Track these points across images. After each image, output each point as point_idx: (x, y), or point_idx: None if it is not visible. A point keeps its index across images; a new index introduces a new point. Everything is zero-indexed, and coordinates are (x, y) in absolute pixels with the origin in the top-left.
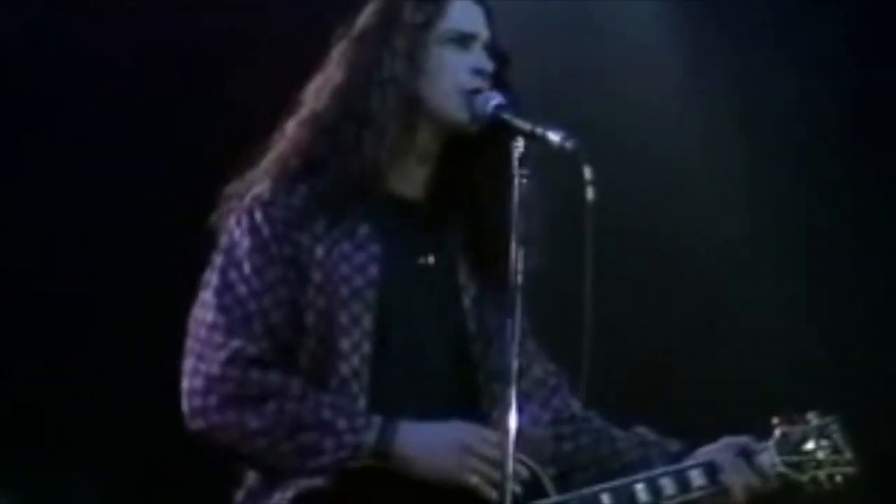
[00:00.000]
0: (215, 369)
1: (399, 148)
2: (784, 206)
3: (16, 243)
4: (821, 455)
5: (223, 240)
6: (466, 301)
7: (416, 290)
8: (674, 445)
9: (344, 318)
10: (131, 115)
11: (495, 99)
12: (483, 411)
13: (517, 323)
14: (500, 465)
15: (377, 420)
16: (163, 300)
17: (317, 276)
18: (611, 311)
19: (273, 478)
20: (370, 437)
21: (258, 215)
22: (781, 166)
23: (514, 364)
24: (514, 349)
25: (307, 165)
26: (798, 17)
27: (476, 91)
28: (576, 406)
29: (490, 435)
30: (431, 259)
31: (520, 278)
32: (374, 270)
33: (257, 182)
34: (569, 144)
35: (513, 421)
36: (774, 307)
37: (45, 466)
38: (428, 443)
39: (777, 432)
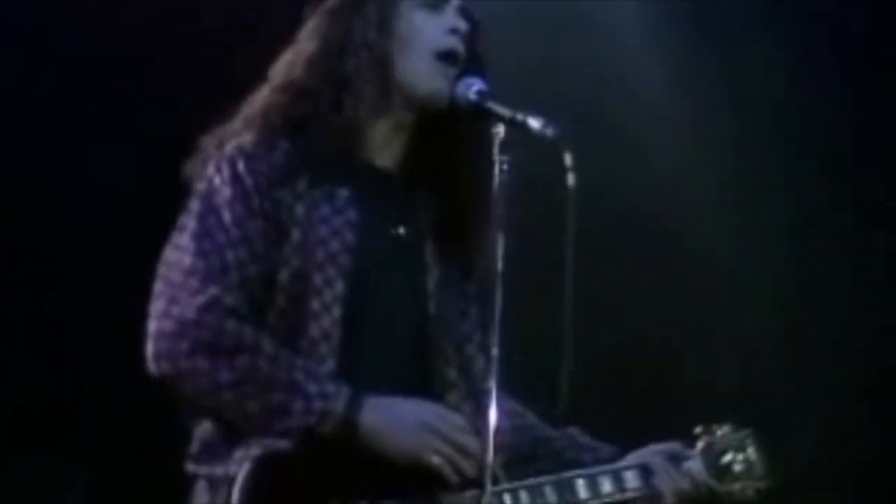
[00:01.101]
0: (190, 314)
1: (377, 111)
2: (774, 198)
3: (14, 238)
4: (737, 468)
5: (200, 186)
6: (430, 283)
7: (388, 260)
8: (605, 449)
9: (318, 280)
10: (133, 107)
11: (476, 85)
12: (434, 392)
13: (497, 309)
14: (461, 448)
15: (346, 390)
16: None
17: (295, 234)
18: (595, 304)
19: (234, 434)
20: (339, 405)
21: (241, 166)
22: (771, 159)
23: (494, 351)
24: (495, 338)
25: (289, 123)
26: (787, 8)
27: (452, 51)
28: (513, 403)
29: (456, 418)
30: (402, 230)
31: (500, 265)
32: (350, 236)
33: (237, 133)
34: (549, 131)
35: (493, 410)
36: (763, 301)
37: (30, 457)
38: (394, 418)
39: (701, 442)
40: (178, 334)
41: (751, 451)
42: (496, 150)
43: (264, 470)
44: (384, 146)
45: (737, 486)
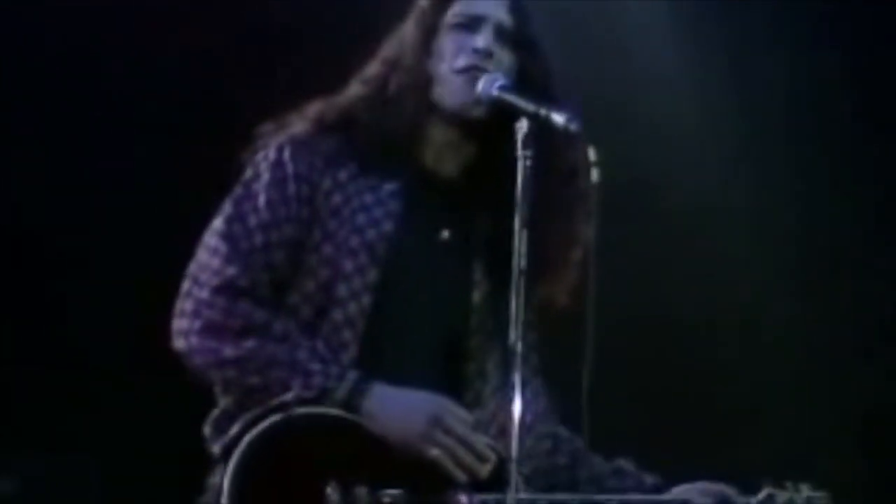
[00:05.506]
0: (205, 294)
1: (419, 128)
2: (782, 183)
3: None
4: None
5: (247, 172)
6: (476, 295)
7: (428, 261)
8: (649, 479)
9: (348, 266)
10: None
11: (499, 80)
12: (463, 403)
13: (520, 306)
14: (465, 442)
15: (353, 374)
16: (169, 290)
17: (330, 222)
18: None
19: (245, 404)
20: (342, 388)
21: (286, 153)
22: (780, 142)
23: (518, 346)
24: (518, 332)
25: (342, 120)
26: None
27: (472, 67)
28: (561, 429)
29: (462, 413)
30: (446, 234)
31: (523, 262)
32: (388, 227)
33: (293, 124)
34: (573, 126)
35: (518, 405)
36: (775, 292)
37: (45, 452)
38: (398, 408)
39: (764, 492)
40: (195, 314)
41: None
42: (519, 144)
43: (262, 446)
44: (446, 154)
45: None
